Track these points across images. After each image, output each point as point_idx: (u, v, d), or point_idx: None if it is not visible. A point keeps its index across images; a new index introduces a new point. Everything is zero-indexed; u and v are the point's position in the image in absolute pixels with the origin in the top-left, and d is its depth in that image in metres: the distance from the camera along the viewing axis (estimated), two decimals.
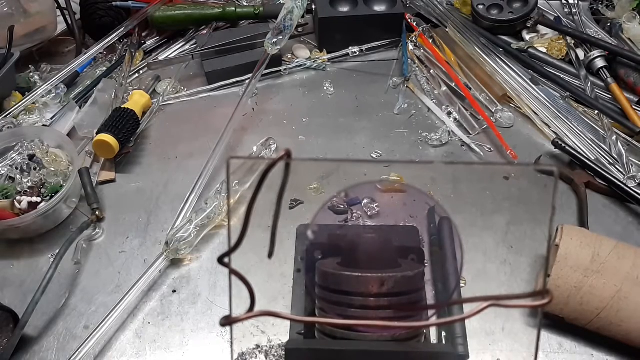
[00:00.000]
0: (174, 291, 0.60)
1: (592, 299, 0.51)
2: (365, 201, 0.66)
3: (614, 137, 0.71)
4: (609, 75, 0.80)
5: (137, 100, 0.77)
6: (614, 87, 0.79)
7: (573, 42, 0.86)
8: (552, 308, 0.52)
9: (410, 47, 0.88)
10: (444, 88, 0.81)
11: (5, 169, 0.68)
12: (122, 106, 0.74)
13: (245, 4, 0.96)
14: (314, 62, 0.87)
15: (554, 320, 0.53)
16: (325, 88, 0.84)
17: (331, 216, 0.65)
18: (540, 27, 0.89)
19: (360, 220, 0.65)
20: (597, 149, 0.71)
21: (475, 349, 0.53)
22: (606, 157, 0.70)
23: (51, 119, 0.78)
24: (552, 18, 0.91)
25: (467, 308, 0.50)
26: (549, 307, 0.51)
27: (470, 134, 0.76)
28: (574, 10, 0.92)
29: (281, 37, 0.77)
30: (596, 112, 0.75)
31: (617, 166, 0.69)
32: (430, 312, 0.52)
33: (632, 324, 0.50)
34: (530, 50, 0.86)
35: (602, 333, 0.52)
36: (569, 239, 0.53)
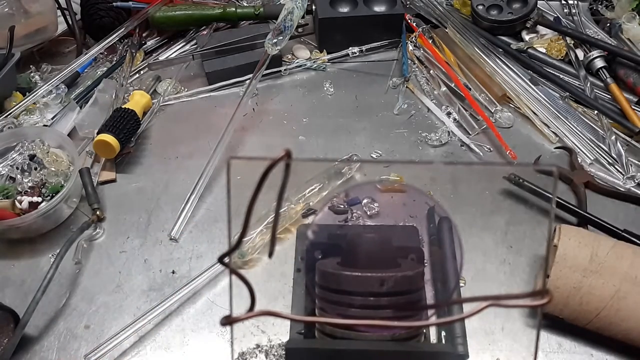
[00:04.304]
0: None
1: (591, 299, 0.51)
2: (365, 201, 0.66)
3: (613, 137, 0.71)
4: (608, 76, 0.80)
5: (137, 101, 0.77)
6: (614, 87, 0.79)
7: (572, 42, 0.86)
8: (551, 309, 0.52)
9: (410, 47, 0.89)
10: (444, 88, 0.81)
11: (6, 169, 0.68)
12: (123, 106, 0.74)
13: (245, 4, 0.96)
14: (314, 62, 0.87)
15: (554, 320, 0.53)
16: (325, 88, 0.84)
17: (331, 216, 0.65)
18: (539, 28, 0.89)
19: (360, 220, 0.65)
20: (596, 149, 0.71)
21: (475, 349, 0.53)
22: (605, 157, 0.70)
23: (52, 119, 0.78)
24: (551, 18, 0.91)
25: (467, 308, 0.50)
26: (548, 308, 0.51)
27: (470, 134, 0.76)
28: (574, 11, 0.92)
29: (281, 38, 0.77)
30: (595, 112, 0.75)
31: (616, 166, 0.69)
32: (430, 311, 0.52)
33: (632, 323, 0.50)
34: (529, 50, 0.86)
35: (601, 333, 0.52)
36: (567, 239, 0.53)
